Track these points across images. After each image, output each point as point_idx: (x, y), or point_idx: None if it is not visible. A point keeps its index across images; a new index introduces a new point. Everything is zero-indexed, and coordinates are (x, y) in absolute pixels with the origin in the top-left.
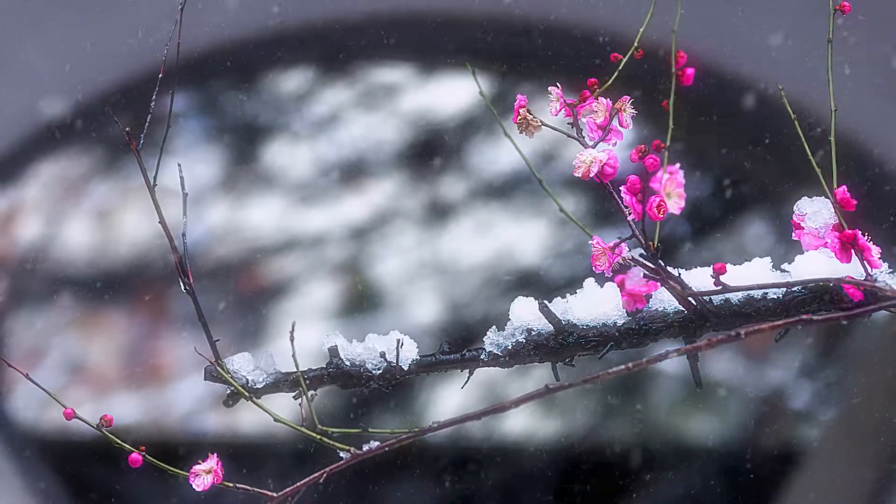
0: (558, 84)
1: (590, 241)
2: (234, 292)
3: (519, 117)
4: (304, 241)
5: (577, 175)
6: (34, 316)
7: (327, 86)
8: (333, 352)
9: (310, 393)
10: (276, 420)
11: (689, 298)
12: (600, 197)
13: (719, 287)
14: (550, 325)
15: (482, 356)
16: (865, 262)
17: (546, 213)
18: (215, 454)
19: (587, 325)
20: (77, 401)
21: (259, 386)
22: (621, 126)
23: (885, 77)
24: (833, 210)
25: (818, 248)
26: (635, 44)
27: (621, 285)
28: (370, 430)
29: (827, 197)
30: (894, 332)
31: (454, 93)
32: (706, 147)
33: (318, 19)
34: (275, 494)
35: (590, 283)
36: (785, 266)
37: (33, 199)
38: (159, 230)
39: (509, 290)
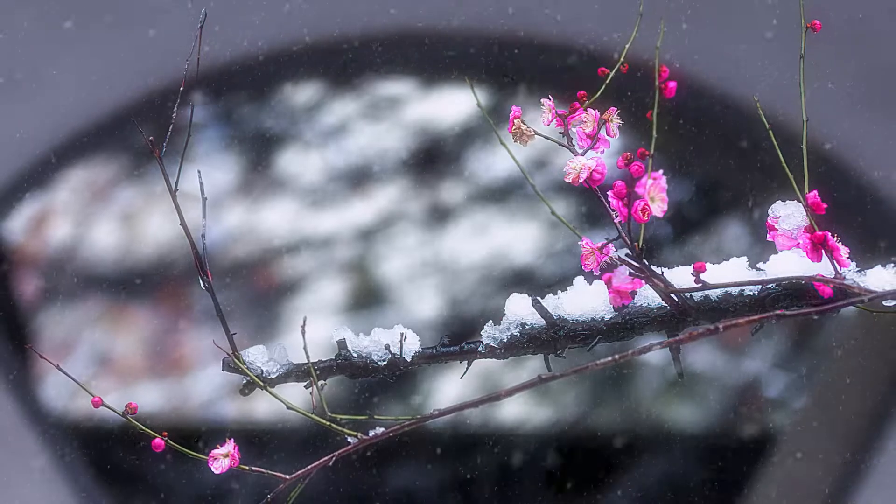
0: (550, 96)
1: (579, 242)
2: (250, 289)
3: (514, 127)
4: (314, 241)
5: (567, 181)
6: (64, 311)
7: (336, 98)
8: (342, 344)
9: (320, 382)
10: (288, 408)
11: (672, 295)
12: (589, 201)
13: (699, 284)
14: (543, 319)
15: (480, 348)
16: (835, 261)
17: (539, 216)
18: (232, 439)
19: (577, 320)
20: (104, 390)
21: (273, 376)
22: (608, 135)
23: (854, 90)
24: (805, 213)
25: (791, 248)
26: (621, 59)
27: (608, 283)
28: (376, 416)
29: (799, 201)
30: (862, 326)
31: (454, 104)
32: (687, 155)
33: (328, 37)
34: (287, 476)
35: (579, 280)
36: (760, 265)
37: (63, 202)
38: (180, 232)
39: (505, 288)
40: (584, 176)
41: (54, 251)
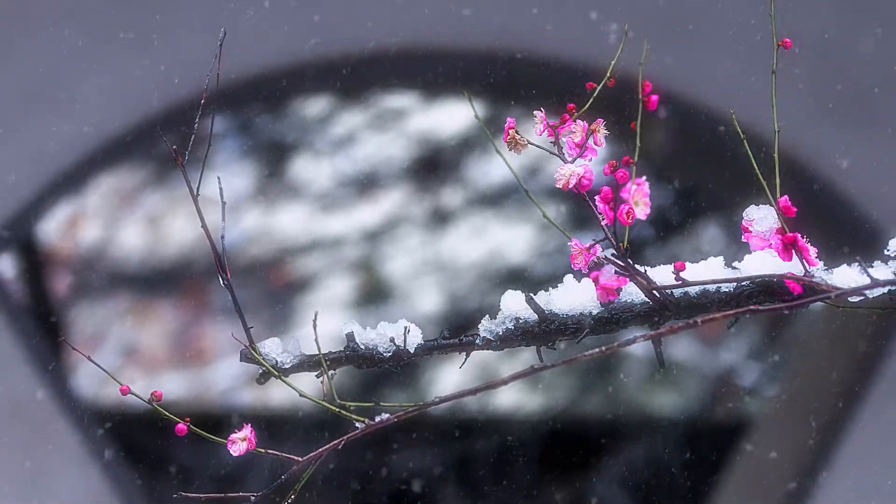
0: (542, 108)
1: (569, 243)
2: (266, 286)
3: (508, 137)
4: (324, 242)
5: (558, 186)
6: (94, 306)
7: (345, 110)
8: (350, 337)
9: (330, 372)
10: (301, 395)
11: (654, 291)
12: (578, 205)
13: (679, 282)
14: (535, 314)
15: (477, 341)
16: (804, 260)
17: (531, 219)
18: (249, 424)
19: (567, 315)
20: (131, 379)
21: (287, 366)
22: (596, 144)
23: (822, 103)
24: (776, 216)
25: (764, 248)
26: (608, 74)
27: (596, 280)
28: (382, 403)
29: (771, 205)
30: (829, 321)
31: (453, 116)
32: (669, 162)
33: (337, 55)
34: (300, 459)
35: (569, 278)
36: (735, 264)
37: (94, 206)
38: (201, 233)
39: (500, 285)
40: (573, 182)
41: (85, 251)
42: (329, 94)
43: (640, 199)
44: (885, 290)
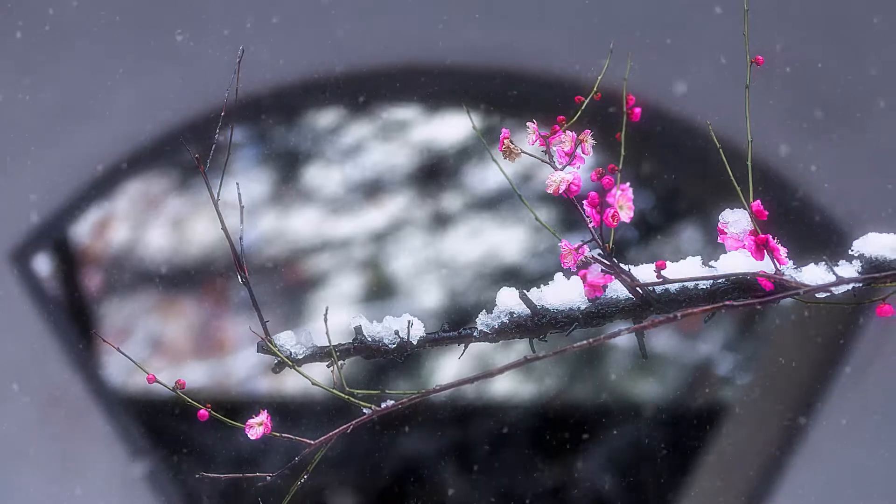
0: (534, 120)
1: (559, 244)
2: (281, 283)
3: (503, 146)
4: (334, 243)
5: (549, 191)
6: (123, 302)
7: (353, 122)
8: (358, 330)
9: (339, 362)
10: (313, 384)
11: (637, 288)
12: (567, 209)
13: (660, 279)
14: (528, 309)
15: (475, 333)
16: (775, 259)
17: (525, 222)
18: (265, 410)
19: (557, 309)
20: (157, 368)
21: (300, 357)
22: (584, 153)
23: (792, 114)
24: (750, 219)
25: (738, 248)
26: (595, 88)
27: (584, 278)
28: (387, 391)
29: (745, 209)
30: (798, 315)
31: (453, 127)
32: (651, 169)
33: (346, 70)
34: (312, 442)
35: (559, 276)
36: (712, 263)
37: (123, 210)
38: (222, 235)
39: (496, 282)
40: (563, 188)
41: (115, 251)
42: (339, 107)
43: (624, 204)
44: (850, 287)
